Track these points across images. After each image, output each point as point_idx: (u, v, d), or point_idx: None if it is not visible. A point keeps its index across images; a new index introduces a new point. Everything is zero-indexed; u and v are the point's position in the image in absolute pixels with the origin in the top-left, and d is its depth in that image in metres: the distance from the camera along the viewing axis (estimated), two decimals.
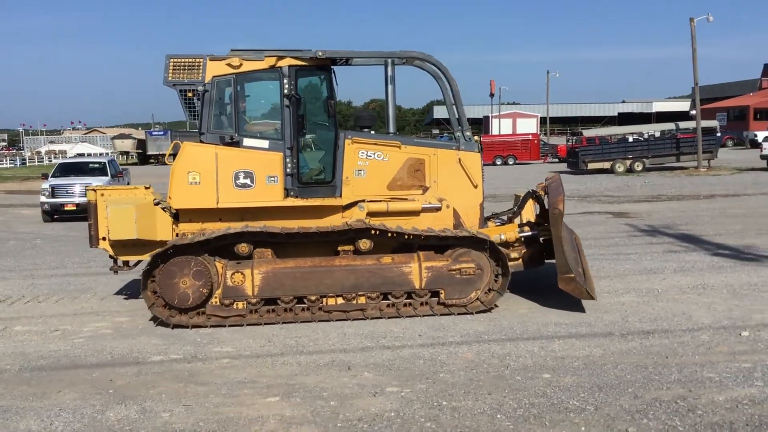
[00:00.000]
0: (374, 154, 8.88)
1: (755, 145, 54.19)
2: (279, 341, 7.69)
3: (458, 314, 8.53)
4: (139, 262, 9.12)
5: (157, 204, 8.66)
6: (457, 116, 9.16)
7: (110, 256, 8.94)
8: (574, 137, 47.31)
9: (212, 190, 8.51)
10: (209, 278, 8.25)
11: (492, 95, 71.88)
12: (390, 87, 8.90)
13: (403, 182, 8.98)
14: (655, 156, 35.88)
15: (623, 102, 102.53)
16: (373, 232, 8.50)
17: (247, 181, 8.58)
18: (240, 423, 5.46)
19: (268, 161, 8.62)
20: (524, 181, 30.75)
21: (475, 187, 9.11)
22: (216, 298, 8.40)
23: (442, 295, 8.57)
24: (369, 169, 8.87)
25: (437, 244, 8.66)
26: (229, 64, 8.57)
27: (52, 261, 13.72)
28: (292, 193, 8.68)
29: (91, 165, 23.59)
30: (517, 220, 9.76)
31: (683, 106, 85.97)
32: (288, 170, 8.64)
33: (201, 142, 8.68)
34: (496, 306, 8.76)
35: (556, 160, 48.41)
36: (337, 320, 8.42)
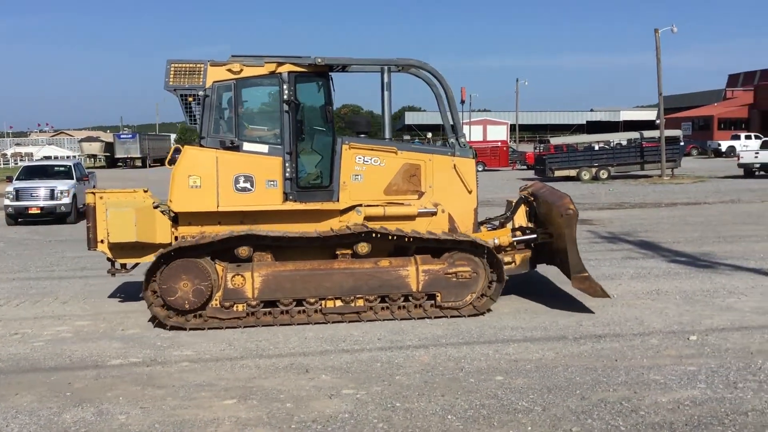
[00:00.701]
0: (371, 159, 9.08)
1: (719, 154, 55.41)
2: (239, 345, 7.77)
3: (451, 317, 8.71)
4: (136, 265, 9.20)
5: (156, 207, 8.76)
6: (451, 123, 9.38)
7: (108, 259, 9.00)
8: (542, 145, 47.86)
9: (213, 194, 8.63)
10: (210, 281, 8.32)
11: (463, 102, 72.36)
12: (386, 93, 9.13)
13: (400, 187, 9.18)
14: (620, 164, 36.48)
15: (591, 110, 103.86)
16: (374, 235, 8.65)
17: (247, 185, 8.71)
18: (196, 425, 5.54)
19: (267, 165, 8.76)
20: (493, 187, 31.13)
21: (470, 192, 9.33)
22: (216, 300, 8.49)
23: (438, 298, 8.73)
24: (366, 174, 9.06)
25: (435, 247, 8.82)
26: (229, 70, 8.70)
27: (15, 264, 13.61)
28: (291, 197, 8.84)
29: (56, 168, 23.42)
30: (509, 225, 9.97)
31: (650, 115, 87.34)
32: (287, 174, 8.78)
33: (201, 146, 8.78)
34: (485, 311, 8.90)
35: (525, 167, 48.95)
36: (349, 321, 8.59)
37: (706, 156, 56.72)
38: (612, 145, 38.55)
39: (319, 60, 8.79)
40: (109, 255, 8.85)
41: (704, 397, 5.91)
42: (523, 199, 10.02)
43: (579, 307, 9.16)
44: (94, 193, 8.80)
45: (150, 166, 65.60)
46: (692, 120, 71.76)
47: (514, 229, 9.73)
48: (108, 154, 67.74)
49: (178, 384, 6.51)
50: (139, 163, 65.73)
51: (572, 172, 36.07)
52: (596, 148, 38.48)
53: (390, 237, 8.68)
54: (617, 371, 6.61)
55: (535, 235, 9.50)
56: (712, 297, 9.64)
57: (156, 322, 8.58)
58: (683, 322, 8.36)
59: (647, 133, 38.69)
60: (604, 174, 36.00)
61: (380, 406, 5.84)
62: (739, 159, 35.25)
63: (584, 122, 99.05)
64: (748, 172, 33.89)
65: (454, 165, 9.26)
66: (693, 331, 7.94)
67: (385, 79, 9.08)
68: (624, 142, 38.93)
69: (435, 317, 8.68)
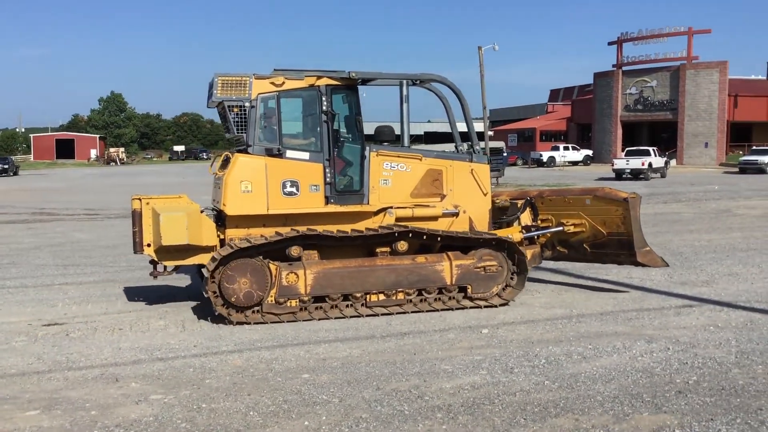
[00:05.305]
0: (398, 165, 9.85)
1: (541, 164, 59.71)
2: (48, 358, 7.69)
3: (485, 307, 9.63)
4: (176, 267, 9.65)
5: (201, 211, 9.29)
6: (466, 132, 10.34)
7: (151, 262, 9.52)
8: None
9: (263, 198, 9.22)
10: (266, 278, 8.92)
11: None
12: (405, 105, 9.87)
13: (424, 190, 9.95)
14: None
15: (429, 122, 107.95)
16: (410, 234, 9.39)
17: (293, 189, 9.35)
18: None
19: (311, 171, 9.40)
20: None
21: (485, 195, 10.27)
22: (271, 297, 8.99)
23: (469, 290, 9.58)
24: (393, 178, 9.82)
25: (459, 244, 9.62)
26: (272, 83, 9.31)
27: None
28: (331, 201, 9.50)
29: None
30: (516, 224, 10.84)
31: (482, 126, 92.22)
32: (327, 179, 9.42)
33: (247, 153, 9.25)
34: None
35: None
36: (395, 314, 9.29)
37: (529, 166, 60.87)
38: None
39: (353, 74, 9.52)
40: (155, 258, 9.28)
41: (483, 381, 6.65)
42: (529, 201, 11.00)
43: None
44: (140, 199, 9.26)
45: None
46: (518, 132, 76.63)
47: (522, 227, 10.70)
48: None
49: None
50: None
51: None
52: None
53: (424, 236, 9.44)
54: (413, 363, 7.25)
55: (560, 227, 10.57)
56: None
57: (211, 317, 9.14)
58: (480, 318, 9.21)
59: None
60: None
61: (186, 408, 6.08)
62: (613, 165, 42.42)
63: (422, 133, 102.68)
64: (619, 175, 40.77)
65: (472, 170, 10.18)
66: (486, 326, 8.80)
67: (404, 92, 9.82)
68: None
69: (470, 307, 9.58)
